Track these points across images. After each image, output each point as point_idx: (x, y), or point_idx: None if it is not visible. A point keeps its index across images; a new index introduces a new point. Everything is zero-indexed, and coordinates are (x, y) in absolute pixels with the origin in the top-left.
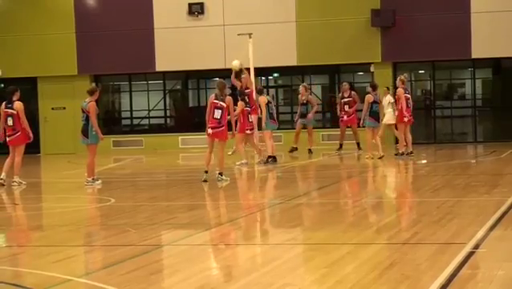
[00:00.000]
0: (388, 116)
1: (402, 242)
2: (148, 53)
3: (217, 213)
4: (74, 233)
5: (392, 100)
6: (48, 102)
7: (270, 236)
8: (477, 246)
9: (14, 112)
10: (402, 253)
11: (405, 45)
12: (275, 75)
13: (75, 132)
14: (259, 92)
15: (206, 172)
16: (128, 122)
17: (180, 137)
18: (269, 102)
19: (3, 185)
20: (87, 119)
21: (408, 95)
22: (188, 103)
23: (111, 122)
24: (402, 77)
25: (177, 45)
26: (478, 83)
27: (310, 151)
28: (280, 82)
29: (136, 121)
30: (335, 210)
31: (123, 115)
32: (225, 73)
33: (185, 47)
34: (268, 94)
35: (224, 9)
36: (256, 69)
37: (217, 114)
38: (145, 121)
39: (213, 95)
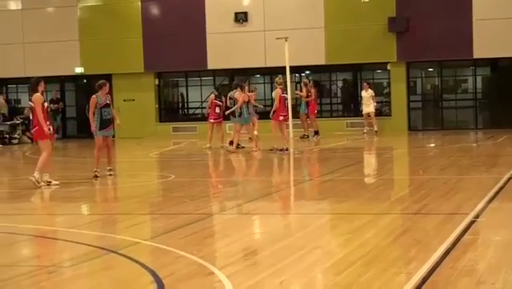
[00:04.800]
0: (369, 107)
1: (414, 212)
2: (201, 54)
3: (259, 187)
4: (141, 203)
5: (373, 94)
6: (121, 95)
7: (302, 207)
8: (477, 216)
9: (32, 105)
10: (414, 221)
11: (417, 47)
12: (307, 72)
13: (143, 119)
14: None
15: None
16: (184, 111)
17: (227, 124)
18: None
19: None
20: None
21: (286, 96)
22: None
23: (171, 111)
24: (278, 79)
25: (225, 47)
26: (479, 79)
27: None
28: (310, 78)
29: (191, 111)
30: (356, 186)
31: (181, 105)
32: (264, 71)
33: (232, 49)
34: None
35: (264, 17)
36: (291, 67)
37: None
38: (198, 111)
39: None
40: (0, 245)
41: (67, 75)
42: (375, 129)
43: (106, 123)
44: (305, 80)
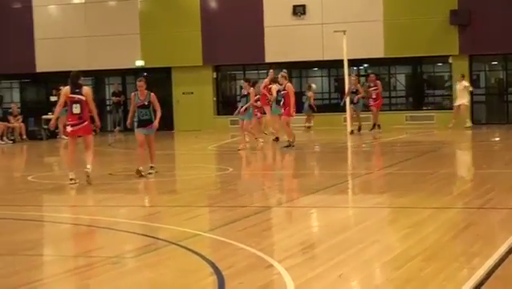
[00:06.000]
0: (462, 99)
1: (477, 206)
2: (259, 47)
3: (316, 180)
4: (200, 196)
5: (467, 85)
6: (179, 88)
7: (361, 200)
8: None
9: (83, 99)
10: (477, 216)
11: (480, 40)
12: (365, 65)
13: (201, 112)
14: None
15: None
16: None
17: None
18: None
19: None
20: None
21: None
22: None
23: (228, 105)
24: (285, 73)
25: (283, 40)
26: None
27: (353, 132)
28: (369, 71)
29: None
30: (417, 180)
31: (238, 99)
32: (322, 64)
33: (290, 42)
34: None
35: (323, 10)
36: (349, 60)
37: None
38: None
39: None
40: (65, 236)
41: (128, 68)
42: (467, 124)
43: (143, 122)
44: (353, 77)
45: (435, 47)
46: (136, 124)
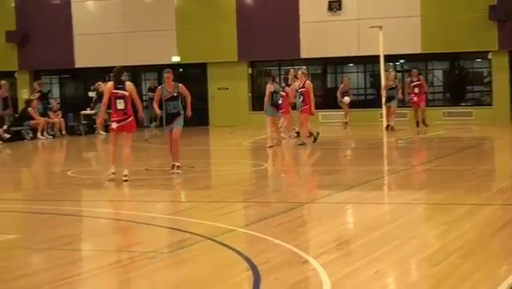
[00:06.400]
0: None
1: None
2: (295, 43)
3: (352, 176)
4: (235, 191)
5: None
6: (215, 83)
7: (397, 197)
8: None
9: (127, 94)
10: None
11: None
12: (401, 61)
13: (236, 108)
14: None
15: None
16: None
17: (320, 113)
18: (275, 91)
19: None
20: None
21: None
22: (327, 84)
23: (263, 101)
24: (305, 70)
25: (318, 36)
26: None
27: (389, 127)
28: (406, 67)
29: None
30: (454, 176)
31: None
32: (358, 60)
33: (325, 38)
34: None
35: (358, 5)
36: (385, 56)
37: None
38: None
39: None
40: (103, 231)
41: (164, 64)
42: None
43: (170, 117)
44: (392, 72)
45: (473, 43)
46: (164, 119)
